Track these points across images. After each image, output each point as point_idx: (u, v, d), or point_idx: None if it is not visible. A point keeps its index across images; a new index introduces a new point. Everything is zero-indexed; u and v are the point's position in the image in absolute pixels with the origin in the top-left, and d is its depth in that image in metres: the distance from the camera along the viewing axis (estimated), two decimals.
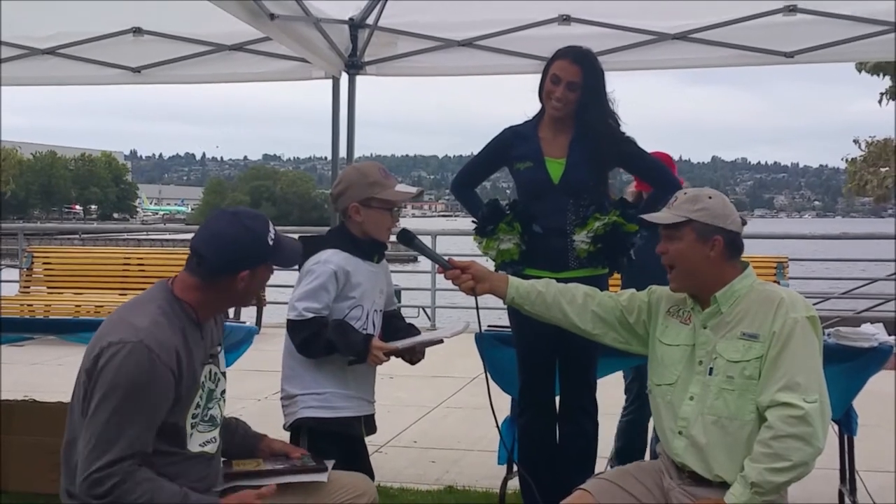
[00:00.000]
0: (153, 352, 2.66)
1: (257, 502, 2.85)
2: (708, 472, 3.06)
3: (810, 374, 2.98)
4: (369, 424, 3.66)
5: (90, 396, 2.68)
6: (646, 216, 3.30)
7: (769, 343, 3.00)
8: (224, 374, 3.06)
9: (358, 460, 3.58)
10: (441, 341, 3.62)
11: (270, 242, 2.88)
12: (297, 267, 3.51)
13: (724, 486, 3.00)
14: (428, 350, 3.71)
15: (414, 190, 3.65)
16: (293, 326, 3.47)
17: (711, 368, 3.09)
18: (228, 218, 2.89)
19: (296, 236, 3.28)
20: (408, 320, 3.93)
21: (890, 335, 4.36)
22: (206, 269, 2.84)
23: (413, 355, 3.63)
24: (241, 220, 2.88)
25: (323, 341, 3.43)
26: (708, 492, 3.04)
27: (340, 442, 3.51)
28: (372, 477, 3.58)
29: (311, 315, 3.44)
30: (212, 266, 2.83)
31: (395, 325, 3.73)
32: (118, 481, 2.62)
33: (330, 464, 3.20)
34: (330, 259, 3.49)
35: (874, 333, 4.30)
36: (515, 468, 4.73)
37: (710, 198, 3.14)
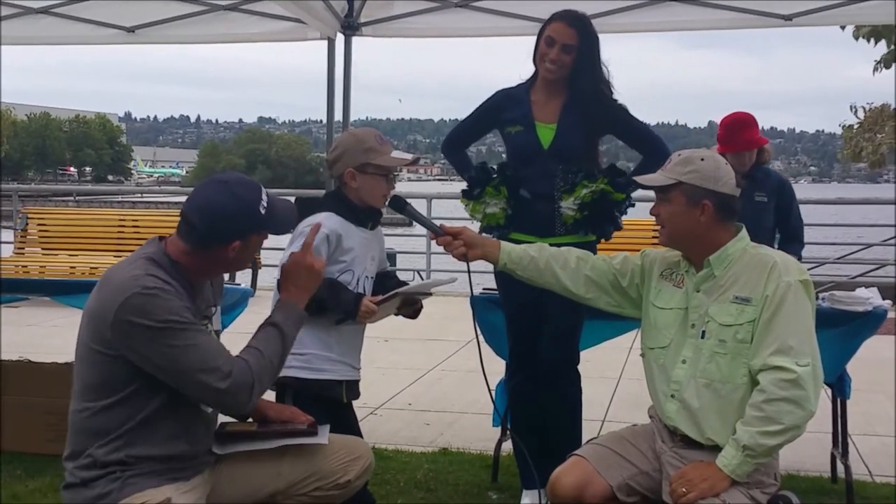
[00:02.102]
0: (156, 287, 2.69)
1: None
2: (700, 436, 3.06)
3: (803, 338, 2.97)
4: (352, 390, 3.64)
5: (142, 356, 2.68)
6: (638, 178, 3.29)
7: (762, 307, 2.99)
8: (218, 333, 3.06)
9: (344, 424, 3.56)
10: (430, 293, 3.66)
11: (262, 210, 2.84)
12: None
13: (716, 449, 3.00)
14: (423, 313, 3.71)
15: (409, 156, 3.63)
16: None
17: (704, 332, 3.08)
18: (220, 187, 2.84)
19: (292, 199, 3.27)
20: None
21: (884, 299, 4.37)
22: (197, 237, 2.81)
23: (412, 309, 3.65)
24: (231, 188, 2.83)
25: (314, 300, 3.41)
26: (699, 454, 3.04)
27: (325, 404, 3.52)
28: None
29: None
30: (202, 235, 2.81)
31: (386, 284, 3.72)
32: (248, 372, 2.75)
33: (325, 428, 3.20)
34: (323, 222, 3.47)
35: (868, 297, 4.30)
36: (510, 430, 4.74)
37: (702, 160, 3.11)
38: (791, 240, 5.16)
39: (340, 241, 3.49)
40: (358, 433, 3.63)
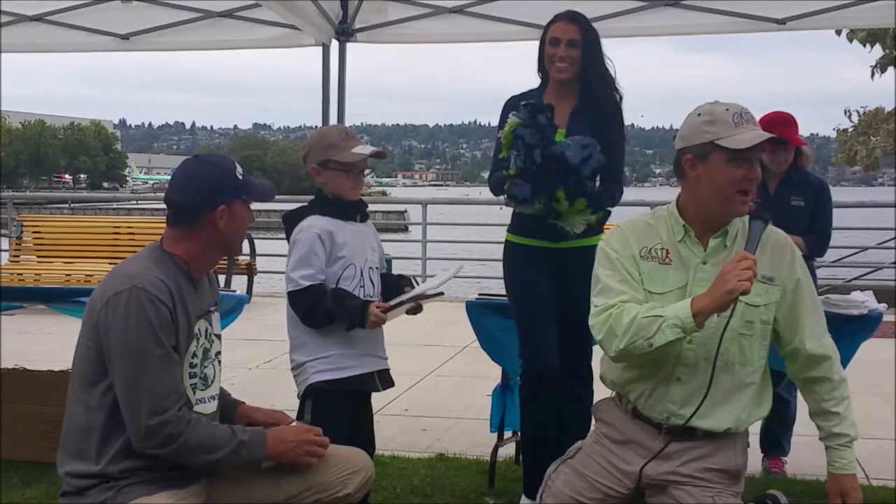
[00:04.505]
0: (147, 291, 2.70)
1: (306, 454, 2.92)
2: (706, 422, 2.90)
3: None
4: (384, 379, 3.73)
5: (107, 354, 2.70)
6: (772, 133, 2.96)
7: (793, 288, 2.92)
8: (219, 336, 3.06)
9: (364, 421, 3.74)
10: (441, 293, 3.68)
11: (240, 177, 2.91)
12: (285, 237, 3.63)
13: (709, 436, 2.91)
14: (419, 318, 3.73)
15: (369, 150, 3.66)
16: (293, 298, 3.54)
17: None
18: (192, 161, 2.97)
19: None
20: None
21: (880, 303, 4.37)
22: (183, 214, 2.86)
23: (413, 307, 3.67)
24: (203, 159, 2.97)
25: (322, 311, 3.50)
26: (691, 447, 2.92)
27: (349, 404, 3.62)
28: (373, 440, 3.79)
29: (307, 283, 3.50)
30: (187, 208, 2.85)
31: (385, 281, 3.77)
32: (180, 426, 2.69)
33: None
34: (312, 224, 3.56)
35: (864, 301, 4.31)
36: (506, 436, 4.74)
37: None
38: (813, 233, 4.89)
39: (333, 238, 3.56)
40: (372, 430, 3.81)
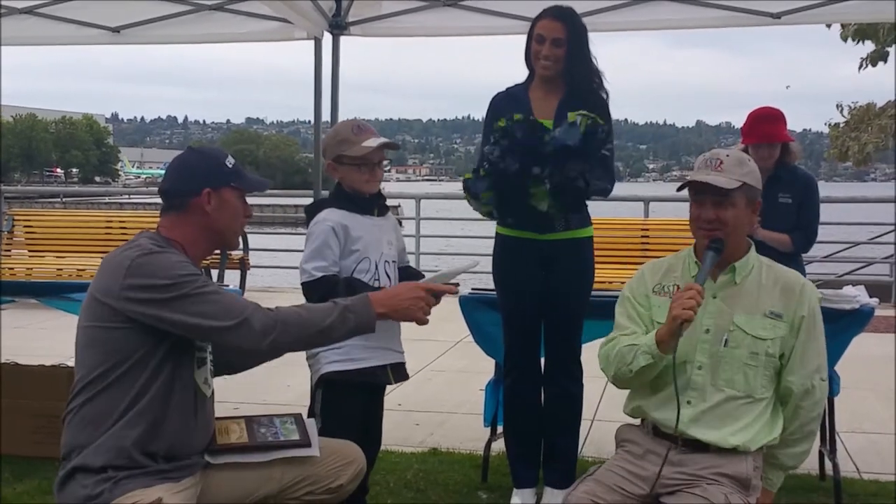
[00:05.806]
0: (158, 248, 2.78)
1: (422, 311, 3.03)
2: (719, 440, 3.04)
3: (824, 355, 3.15)
4: (399, 372, 3.76)
5: (157, 316, 2.71)
6: (707, 180, 3.02)
7: (798, 326, 3.07)
8: None
9: (373, 416, 3.77)
10: (456, 284, 3.69)
11: (229, 165, 2.96)
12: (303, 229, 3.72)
13: (720, 451, 3.03)
14: None
15: (378, 142, 3.67)
16: (307, 289, 3.59)
17: (726, 340, 3.06)
18: (184, 152, 3.04)
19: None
20: None
21: (871, 297, 4.38)
22: (172, 199, 2.92)
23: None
24: (194, 149, 3.05)
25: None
26: (702, 458, 3.03)
27: (360, 396, 3.65)
28: (380, 436, 3.83)
29: (320, 274, 3.55)
30: (175, 193, 2.91)
31: (405, 275, 3.81)
32: (267, 312, 2.78)
33: (317, 440, 3.19)
34: (327, 217, 3.62)
35: (856, 295, 4.33)
36: (499, 430, 4.75)
37: (749, 160, 3.12)
38: (800, 228, 4.91)
39: (348, 231, 3.61)
40: (381, 426, 3.85)
